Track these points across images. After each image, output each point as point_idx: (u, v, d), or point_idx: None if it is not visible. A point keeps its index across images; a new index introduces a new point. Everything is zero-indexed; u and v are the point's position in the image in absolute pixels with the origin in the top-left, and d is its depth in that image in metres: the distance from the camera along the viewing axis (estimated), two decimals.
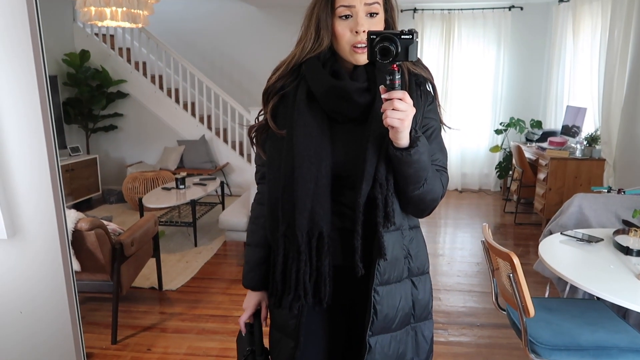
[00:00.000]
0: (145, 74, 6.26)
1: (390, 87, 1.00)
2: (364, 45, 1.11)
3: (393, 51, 1.00)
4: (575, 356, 1.85)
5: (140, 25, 4.39)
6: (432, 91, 1.22)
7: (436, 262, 4.03)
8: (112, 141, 6.45)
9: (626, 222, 2.58)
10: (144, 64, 6.29)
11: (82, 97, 5.96)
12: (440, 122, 1.23)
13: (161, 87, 6.28)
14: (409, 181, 1.11)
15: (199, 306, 3.21)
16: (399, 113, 0.99)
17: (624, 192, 3.09)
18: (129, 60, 6.26)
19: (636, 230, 2.13)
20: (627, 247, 2.09)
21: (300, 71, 1.20)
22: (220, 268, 3.88)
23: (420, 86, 1.19)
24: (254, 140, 1.29)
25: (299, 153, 1.14)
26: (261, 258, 1.32)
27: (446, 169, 1.22)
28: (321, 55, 1.17)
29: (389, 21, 1.18)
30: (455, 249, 4.43)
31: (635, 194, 2.93)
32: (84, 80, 5.94)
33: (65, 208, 1.50)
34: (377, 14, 1.13)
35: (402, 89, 1.01)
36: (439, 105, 1.24)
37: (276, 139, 1.20)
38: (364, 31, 1.10)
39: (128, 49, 6.31)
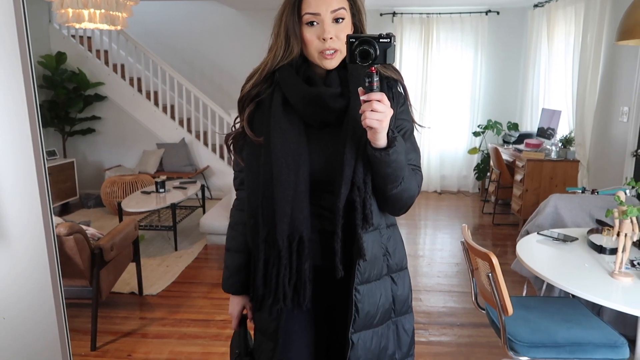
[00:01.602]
0: (123, 76, 6.18)
1: (369, 89, 1.03)
2: (332, 51, 1.14)
3: (372, 54, 1.02)
4: (552, 352, 1.90)
5: (119, 28, 4.35)
6: (403, 92, 1.24)
7: (416, 263, 4.08)
8: (90, 144, 6.35)
9: (600, 222, 2.65)
10: (123, 66, 6.21)
11: (58, 99, 5.86)
12: (412, 122, 1.26)
13: (140, 90, 6.21)
14: (387, 180, 1.13)
15: (180, 311, 3.18)
16: (378, 114, 1.02)
17: (597, 192, 3.18)
18: (106, 63, 6.18)
19: (609, 230, 2.19)
20: (601, 246, 2.15)
21: (275, 78, 1.21)
22: (202, 272, 3.86)
23: (392, 88, 1.22)
24: (231, 147, 1.30)
25: (276, 160, 1.16)
26: (241, 264, 1.33)
27: (420, 168, 1.25)
28: (294, 62, 1.19)
29: (357, 25, 1.20)
30: (435, 250, 4.49)
31: (608, 194, 3.01)
32: (60, 83, 5.84)
33: (52, 212, 1.48)
34: (343, 19, 1.15)
35: (380, 91, 1.03)
36: (411, 105, 1.27)
37: (253, 146, 1.22)
38: (330, 38, 1.13)
39: (106, 51, 6.23)
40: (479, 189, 6.61)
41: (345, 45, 1.05)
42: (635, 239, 1.89)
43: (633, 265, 1.97)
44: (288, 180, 1.16)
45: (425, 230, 5.20)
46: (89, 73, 6.04)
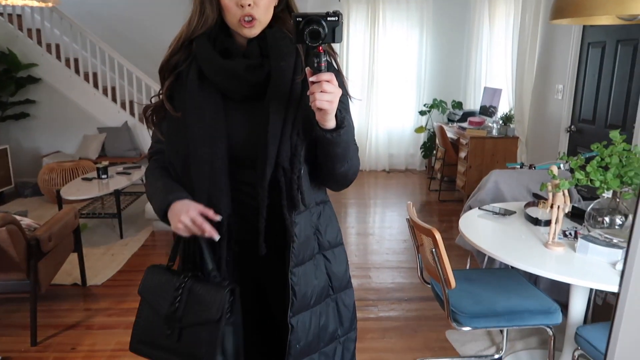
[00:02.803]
0: (59, 57, 5.84)
1: (317, 70, 0.99)
2: (250, 18, 1.10)
3: (322, 33, 0.99)
4: (492, 322, 1.99)
5: (50, 4, 4.09)
6: (336, 67, 1.20)
7: (366, 241, 4.15)
8: (25, 130, 5.99)
9: (536, 195, 2.78)
10: (58, 46, 5.86)
11: None
12: (347, 96, 1.21)
13: (77, 72, 5.89)
14: (336, 160, 1.13)
15: (126, 300, 3.10)
16: (327, 95, 0.99)
17: (534, 167, 3.33)
18: (39, 43, 5.80)
19: (544, 202, 2.30)
20: (537, 218, 2.26)
21: (192, 49, 1.17)
22: (149, 259, 3.76)
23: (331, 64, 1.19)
24: (149, 120, 1.25)
25: (192, 136, 1.14)
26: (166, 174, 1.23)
27: (355, 142, 1.22)
28: (212, 31, 1.15)
29: None
30: (384, 228, 4.58)
31: (544, 168, 3.16)
32: None
33: None
34: None
35: (328, 71, 1.00)
36: (343, 76, 1.21)
37: (173, 119, 1.18)
38: (249, 5, 1.09)
39: (38, 30, 5.85)
40: (426, 166, 6.78)
41: (292, 25, 1.01)
42: (567, 211, 1.99)
43: (565, 236, 2.08)
44: (203, 156, 1.13)
45: (375, 208, 5.29)
46: (20, 54, 5.67)
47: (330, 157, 1.12)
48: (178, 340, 1.14)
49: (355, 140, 1.21)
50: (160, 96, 1.22)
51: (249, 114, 1.16)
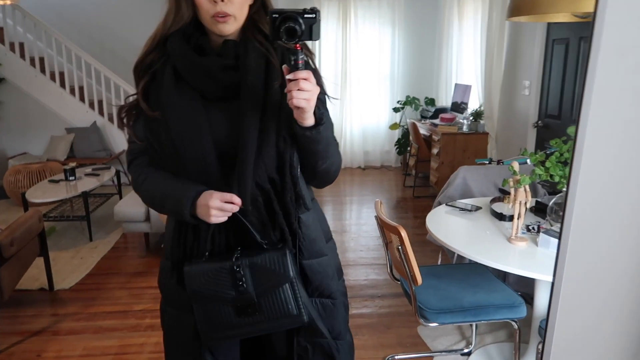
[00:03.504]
0: (23, 56, 5.68)
1: (294, 68, 0.99)
2: (223, 15, 1.08)
3: (298, 31, 0.98)
4: (459, 317, 2.01)
5: (9, 2, 3.96)
6: (314, 66, 1.20)
7: (342, 238, 4.15)
8: None
9: (502, 190, 2.82)
10: (22, 45, 5.70)
11: None
12: (325, 94, 1.21)
13: (43, 71, 5.74)
14: (318, 157, 1.14)
15: (95, 304, 3.04)
16: (305, 93, 0.99)
17: (502, 162, 3.38)
18: (2, 41, 5.64)
19: (509, 198, 2.33)
20: (501, 214, 2.29)
21: (166, 47, 1.15)
22: (119, 262, 3.70)
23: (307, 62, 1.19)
24: (124, 121, 1.22)
25: (177, 135, 1.13)
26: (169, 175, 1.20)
27: (335, 138, 1.23)
28: (186, 29, 1.13)
29: None
30: (360, 225, 4.59)
31: (510, 163, 3.21)
32: None
33: None
34: None
35: (305, 69, 1.00)
36: (320, 74, 1.21)
37: (150, 120, 1.16)
38: (222, 0, 1.07)
39: (0, 28, 5.68)
40: (401, 163, 6.83)
41: (268, 22, 1.00)
42: (529, 206, 2.02)
43: (529, 230, 2.11)
44: (194, 154, 1.12)
45: (351, 205, 5.30)
46: None
47: (311, 154, 1.13)
48: (258, 312, 1.16)
49: (335, 137, 1.22)
50: (136, 96, 1.19)
51: (227, 112, 1.15)
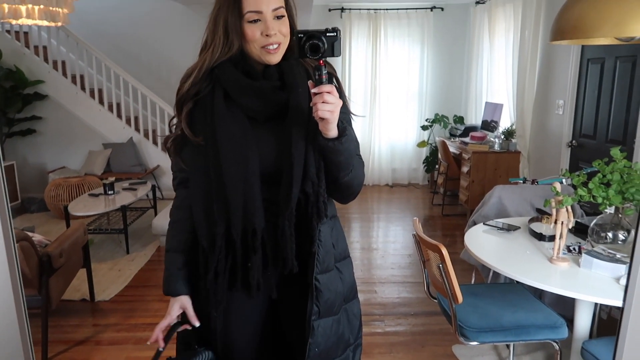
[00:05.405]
0: (65, 74, 5.92)
1: (319, 82, 1.08)
2: (276, 45, 1.18)
3: (321, 47, 1.08)
4: (499, 336, 2.02)
5: (59, 24, 4.17)
6: (338, 85, 1.26)
7: (370, 255, 4.17)
8: (31, 146, 6.06)
9: (539, 210, 2.82)
10: (64, 63, 5.95)
11: None
12: (349, 114, 1.31)
13: (83, 88, 5.97)
14: (340, 168, 1.19)
15: (134, 315, 3.12)
16: (329, 105, 1.07)
17: (537, 182, 3.37)
18: (46, 60, 5.90)
19: (548, 218, 2.34)
20: (541, 234, 2.30)
21: (214, 74, 1.22)
22: (155, 274, 3.79)
23: (332, 82, 1.26)
24: (171, 150, 1.30)
25: (224, 155, 1.18)
26: (181, 263, 1.31)
27: (361, 156, 1.29)
28: (233, 57, 1.21)
29: (291, 21, 1.24)
30: (388, 242, 4.61)
31: (546, 183, 3.20)
32: None
33: (11, 216, 1.36)
34: (283, 16, 1.20)
35: (329, 83, 1.08)
36: (345, 96, 1.29)
37: (195, 146, 1.23)
38: (275, 34, 1.16)
39: (45, 47, 5.95)
40: (429, 181, 6.82)
41: (294, 41, 1.10)
42: (570, 227, 2.02)
43: (569, 251, 2.11)
44: (238, 174, 1.18)
45: (378, 223, 5.32)
46: (27, 71, 5.76)
47: (334, 165, 1.18)
48: None
49: (360, 154, 1.28)
50: (174, 124, 1.27)
51: (274, 133, 1.22)
